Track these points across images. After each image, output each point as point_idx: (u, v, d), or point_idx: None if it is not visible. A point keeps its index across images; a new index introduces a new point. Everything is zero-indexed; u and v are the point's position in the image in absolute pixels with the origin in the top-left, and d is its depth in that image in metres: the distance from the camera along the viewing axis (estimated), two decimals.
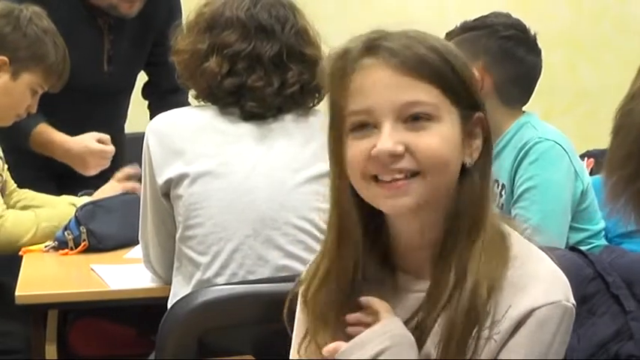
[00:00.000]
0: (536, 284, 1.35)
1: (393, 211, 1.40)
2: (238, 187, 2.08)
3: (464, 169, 1.40)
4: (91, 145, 3.14)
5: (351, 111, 1.38)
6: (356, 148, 1.38)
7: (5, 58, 2.79)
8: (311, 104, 2.20)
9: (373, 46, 1.38)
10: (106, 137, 3.16)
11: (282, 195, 2.09)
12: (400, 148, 1.35)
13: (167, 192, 2.12)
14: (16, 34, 2.79)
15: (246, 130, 2.15)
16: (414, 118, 1.36)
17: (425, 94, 1.36)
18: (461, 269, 1.36)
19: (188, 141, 2.12)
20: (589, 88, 5.33)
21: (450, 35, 2.54)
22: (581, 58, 5.32)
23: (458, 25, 2.58)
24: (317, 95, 2.18)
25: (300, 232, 2.06)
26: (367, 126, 1.37)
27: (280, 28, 2.17)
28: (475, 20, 2.57)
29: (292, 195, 2.08)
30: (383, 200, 1.38)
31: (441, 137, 1.36)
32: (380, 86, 1.36)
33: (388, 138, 1.35)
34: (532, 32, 2.56)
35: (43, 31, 2.83)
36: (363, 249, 1.43)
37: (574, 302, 1.36)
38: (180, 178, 2.09)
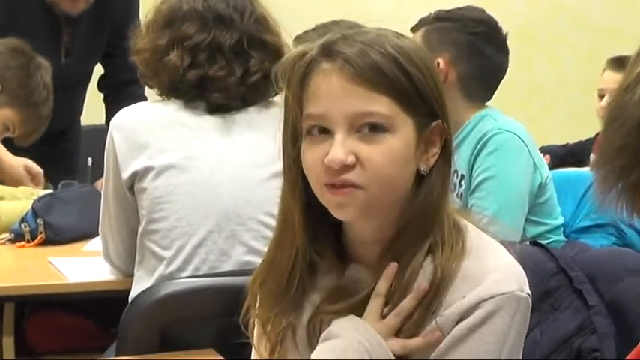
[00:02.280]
0: (490, 275, 1.35)
1: (342, 219, 1.42)
2: (203, 182, 2.08)
3: (420, 174, 1.40)
4: (23, 181, 3.12)
5: (307, 114, 1.39)
6: (312, 154, 1.38)
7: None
8: (273, 94, 2.19)
9: (330, 50, 1.38)
10: (37, 171, 3.14)
11: (247, 190, 2.09)
12: (351, 159, 1.35)
13: (132, 186, 2.11)
14: (21, 71, 2.82)
15: (210, 123, 2.14)
16: (367, 129, 1.36)
17: (379, 105, 1.36)
18: (411, 265, 1.37)
19: (152, 135, 2.11)
20: (544, 84, 5.38)
21: (423, 22, 2.54)
22: (537, 54, 5.36)
23: (432, 12, 2.58)
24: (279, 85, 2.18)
25: (265, 228, 2.05)
26: (323, 131, 1.37)
27: (239, 16, 2.17)
28: (449, 11, 2.57)
29: (257, 191, 2.08)
30: (332, 208, 1.39)
31: (390, 152, 1.36)
32: (334, 94, 1.36)
33: (340, 148, 1.35)
34: (503, 32, 2.57)
35: (44, 84, 2.88)
36: (313, 241, 1.44)
37: (529, 292, 1.37)
38: (145, 172, 2.08)
